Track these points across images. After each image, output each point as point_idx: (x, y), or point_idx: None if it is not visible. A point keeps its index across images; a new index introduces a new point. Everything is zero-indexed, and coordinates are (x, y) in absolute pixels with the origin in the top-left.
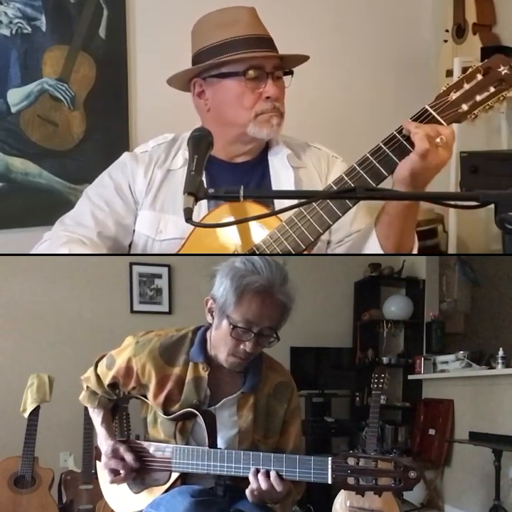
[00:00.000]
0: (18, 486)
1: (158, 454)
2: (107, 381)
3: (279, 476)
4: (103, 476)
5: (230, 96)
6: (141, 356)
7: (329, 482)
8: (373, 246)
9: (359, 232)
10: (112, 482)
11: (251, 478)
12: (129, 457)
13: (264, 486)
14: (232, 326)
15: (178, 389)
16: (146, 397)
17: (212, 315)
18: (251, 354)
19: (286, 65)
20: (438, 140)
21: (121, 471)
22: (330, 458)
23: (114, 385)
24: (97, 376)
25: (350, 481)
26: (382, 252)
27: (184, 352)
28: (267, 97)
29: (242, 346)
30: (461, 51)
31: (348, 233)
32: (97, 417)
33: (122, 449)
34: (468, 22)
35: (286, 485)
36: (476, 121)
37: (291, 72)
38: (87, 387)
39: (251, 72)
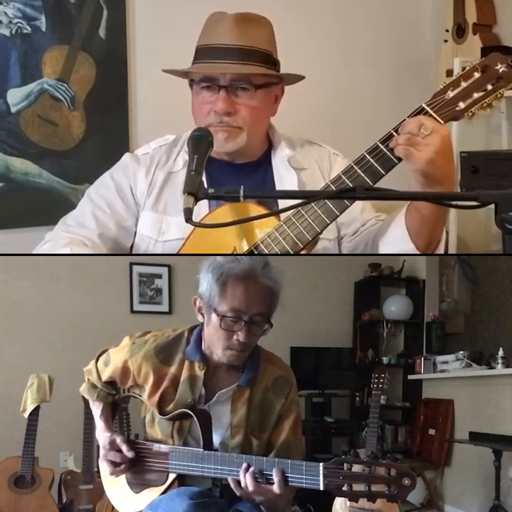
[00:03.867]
0: (18, 486)
1: (155, 455)
2: (104, 377)
3: (285, 478)
4: (104, 471)
5: (192, 104)
6: (137, 357)
7: (321, 488)
8: (404, 239)
9: (380, 220)
10: (112, 474)
11: (241, 477)
12: (125, 448)
13: (251, 487)
14: (220, 317)
15: (173, 388)
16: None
17: (201, 314)
18: (246, 344)
19: (255, 78)
20: (422, 131)
21: (120, 462)
22: (321, 464)
23: (112, 382)
24: (97, 370)
25: (343, 487)
26: (411, 245)
27: (180, 351)
28: (215, 111)
29: (235, 337)
30: (461, 51)
31: (362, 222)
32: (96, 409)
33: (119, 441)
34: (468, 22)
35: (287, 489)
36: (477, 122)
37: (264, 85)
38: (88, 379)
39: (203, 83)
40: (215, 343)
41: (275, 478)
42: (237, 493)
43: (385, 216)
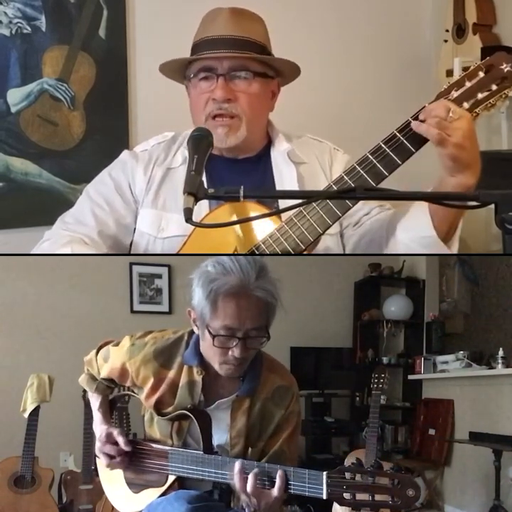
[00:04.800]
0: (18, 486)
1: (155, 455)
2: (102, 374)
3: (287, 483)
4: (103, 469)
5: (190, 99)
6: (136, 360)
7: (324, 497)
8: (424, 224)
9: (385, 209)
10: (108, 466)
11: (239, 479)
12: (121, 440)
13: (251, 489)
14: (212, 336)
15: (171, 392)
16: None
17: (196, 326)
18: (243, 359)
19: (252, 65)
20: (451, 114)
21: (116, 456)
22: (325, 473)
23: (110, 379)
24: (97, 363)
25: (346, 496)
26: (432, 231)
27: (179, 354)
28: (214, 99)
29: (230, 353)
30: (461, 51)
31: (366, 211)
32: (95, 401)
33: (115, 433)
34: (468, 22)
35: (285, 494)
36: (477, 121)
37: (261, 73)
38: (88, 370)
39: (201, 74)
40: (212, 358)
41: (277, 481)
42: (236, 494)
43: (390, 205)
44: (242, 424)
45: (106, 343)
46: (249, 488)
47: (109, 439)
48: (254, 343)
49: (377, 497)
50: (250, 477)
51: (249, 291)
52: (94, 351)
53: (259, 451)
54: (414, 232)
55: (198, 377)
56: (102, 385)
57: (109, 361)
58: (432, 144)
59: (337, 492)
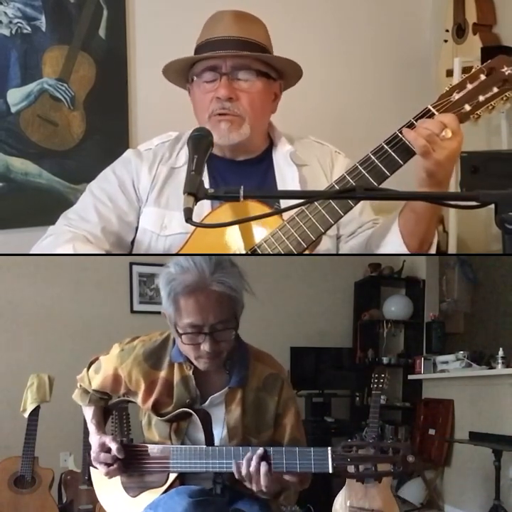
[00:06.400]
0: (18, 486)
1: (155, 456)
2: (94, 385)
3: (269, 468)
4: (96, 479)
5: (194, 99)
6: (127, 364)
7: (330, 471)
8: (395, 242)
9: (376, 224)
10: (107, 474)
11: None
12: (114, 446)
13: (253, 469)
14: (180, 334)
15: (167, 392)
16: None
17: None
18: (215, 352)
19: (255, 65)
20: (443, 134)
21: (112, 463)
22: (329, 448)
23: (103, 391)
24: (89, 377)
25: (350, 469)
26: (403, 247)
27: (167, 354)
28: (218, 98)
29: (201, 348)
30: (461, 51)
31: (359, 224)
32: (88, 412)
33: (107, 441)
34: (468, 22)
35: (276, 480)
36: (477, 121)
37: (264, 73)
38: (80, 385)
39: (205, 75)
40: (188, 354)
41: (253, 459)
42: (239, 479)
43: (383, 220)
44: (238, 415)
45: (96, 359)
46: (244, 471)
47: (103, 448)
48: (223, 335)
49: (380, 466)
50: (244, 462)
51: (207, 286)
52: (86, 369)
53: (266, 443)
54: (387, 248)
55: (190, 372)
56: (95, 396)
57: (101, 371)
58: (416, 151)
59: (342, 465)
